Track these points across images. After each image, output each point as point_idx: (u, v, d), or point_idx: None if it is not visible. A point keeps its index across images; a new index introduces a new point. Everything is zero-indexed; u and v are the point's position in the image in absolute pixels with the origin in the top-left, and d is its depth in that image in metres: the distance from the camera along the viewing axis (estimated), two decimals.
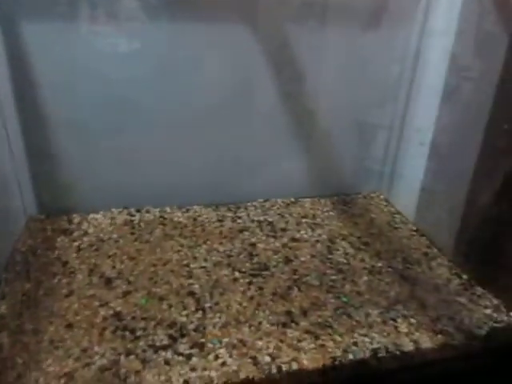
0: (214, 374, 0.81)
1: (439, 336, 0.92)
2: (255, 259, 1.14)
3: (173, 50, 1.22)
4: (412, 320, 0.96)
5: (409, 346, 0.90)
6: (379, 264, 1.15)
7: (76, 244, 1.18)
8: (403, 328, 0.94)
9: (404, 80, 1.40)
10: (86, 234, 1.22)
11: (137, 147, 1.29)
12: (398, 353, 0.88)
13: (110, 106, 1.23)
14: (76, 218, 1.29)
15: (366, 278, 1.09)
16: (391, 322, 0.96)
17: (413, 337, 0.92)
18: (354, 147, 1.50)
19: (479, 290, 1.07)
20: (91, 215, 1.30)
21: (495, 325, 0.96)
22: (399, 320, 0.96)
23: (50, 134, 1.23)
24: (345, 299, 1.02)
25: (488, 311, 1.00)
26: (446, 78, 1.24)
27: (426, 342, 0.91)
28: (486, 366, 0.93)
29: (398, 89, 1.42)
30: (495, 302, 1.03)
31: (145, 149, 1.29)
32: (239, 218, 1.33)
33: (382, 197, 1.51)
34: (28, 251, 1.14)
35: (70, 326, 0.91)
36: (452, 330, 0.94)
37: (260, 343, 0.88)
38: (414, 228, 1.32)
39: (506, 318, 0.98)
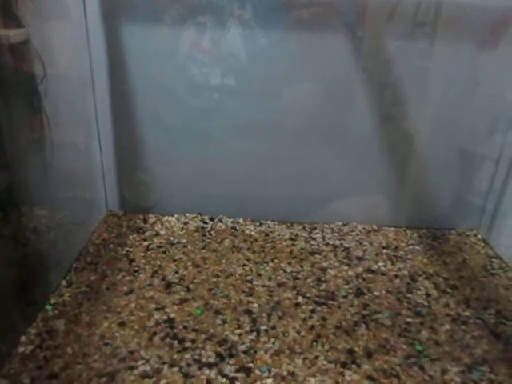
0: None
1: None
2: (323, 286, 1.05)
3: (268, 60, 1.18)
4: None
5: None
6: (466, 313, 0.99)
7: (146, 243, 1.18)
8: None
9: None
10: (157, 234, 1.23)
11: (219, 156, 1.28)
12: None
13: (198, 113, 1.23)
14: (151, 218, 1.30)
15: (448, 326, 0.95)
16: None
17: None
18: (453, 177, 1.34)
19: None
20: (166, 217, 1.30)
21: None
22: None
23: (138, 135, 1.27)
24: (419, 347, 0.88)
25: None
26: None
27: None
28: None
29: (510, 117, 1.24)
30: None
31: (226, 158, 1.28)
32: (313, 239, 1.24)
33: (479, 236, 1.32)
34: (101, 244, 1.17)
35: (122, 324, 0.90)
36: None
37: (312, 380, 0.79)
38: None
39: None
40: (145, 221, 1.29)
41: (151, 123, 1.24)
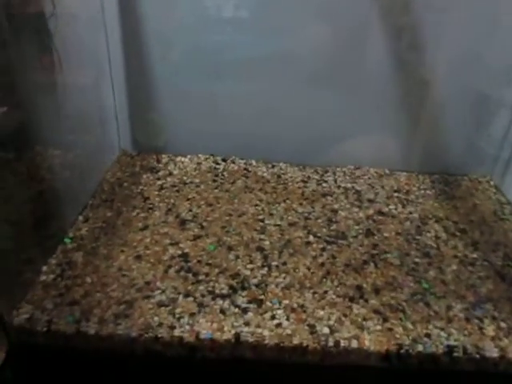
0: (266, 333, 0.78)
1: None
2: (333, 226, 1.06)
3: None
4: (502, 324, 0.83)
5: (492, 352, 0.78)
6: (474, 255, 1.01)
7: (159, 183, 1.20)
8: (490, 331, 0.82)
9: None
10: (170, 174, 1.24)
11: (232, 96, 1.26)
12: (477, 356, 0.77)
13: (211, 48, 1.20)
14: (164, 159, 1.31)
15: (455, 267, 0.97)
16: (476, 320, 0.83)
17: (499, 343, 0.79)
18: (468, 123, 1.31)
19: None
20: (179, 158, 1.31)
21: None
22: (486, 321, 0.83)
23: (150, 74, 1.25)
24: (426, 285, 0.91)
25: None
26: None
27: None
28: None
29: None
30: None
31: (239, 99, 1.26)
32: (325, 181, 1.25)
33: (492, 183, 1.32)
34: (115, 183, 1.19)
35: (138, 257, 0.93)
36: None
37: (321, 313, 0.82)
38: None
39: None
40: (158, 161, 1.30)
41: (163, 62, 1.22)
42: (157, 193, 1.15)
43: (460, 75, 1.24)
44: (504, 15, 1.16)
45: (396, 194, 1.21)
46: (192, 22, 1.18)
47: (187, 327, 0.78)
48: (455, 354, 0.77)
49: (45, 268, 0.89)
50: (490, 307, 0.87)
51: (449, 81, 1.25)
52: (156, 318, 0.79)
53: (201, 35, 1.19)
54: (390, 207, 1.15)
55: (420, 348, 0.77)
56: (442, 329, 0.81)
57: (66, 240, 0.97)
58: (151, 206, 1.10)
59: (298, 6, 1.14)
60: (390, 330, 0.80)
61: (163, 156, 1.32)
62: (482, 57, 1.21)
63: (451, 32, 1.18)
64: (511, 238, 1.08)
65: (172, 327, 0.78)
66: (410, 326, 0.81)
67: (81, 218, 1.05)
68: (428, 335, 0.79)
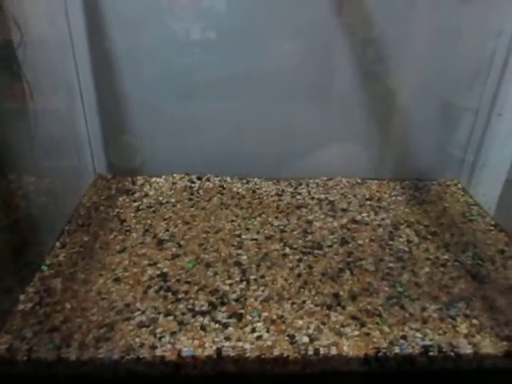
0: (247, 346, 0.79)
1: (504, 343, 0.82)
2: (309, 237, 1.09)
3: (249, 14, 1.18)
4: (475, 321, 0.86)
5: (466, 349, 0.80)
6: (445, 256, 1.04)
7: (136, 204, 1.21)
8: (463, 328, 0.84)
9: (497, 59, 1.24)
10: (146, 195, 1.25)
11: (204, 115, 1.29)
12: (452, 354, 0.80)
13: (181, 70, 1.23)
14: (140, 180, 1.32)
15: (427, 269, 1.00)
16: (450, 320, 0.86)
17: (473, 339, 0.82)
18: (435, 130, 1.37)
19: None
20: (154, 178, 1.33)
21: None
22: (459, 319, 0.86)
23: (122, 97, 1.26)
24: (400, 289, 0.94)
25: None
26: None
27: (488, 347, 0.81)
28: None
29: (489, 69, 1.26)
30: None
31: (212, 117, 1.29)
32: (299, 194, 1.28)
33: (459, 186, 1.37)
34: (91, 207, 1.19)
35: (117, 280, 0.94)
36: None
37: (300, 322, 0.84)
38: (493, 222, 1.19)
39: None
40: (133, 183, 1.31)
41: (134, 84, 1.24)
42: (133, 214, 1.16)
43: (425, 84, 1.30)
44: (463, 25, 1.23)
45: (368, 202, 1.25)
46: (161, 45, 1.21)
47: (169, 346, 0.78)
48: (431, 354, 0.79)
49: (22, 297, 0.89)
50: (462, 306, 0.90)
51: (415, 90, 1.30)
52: (137, 339, 0.80)
53: (170, 57, 1.22)
54: (363, 215, 1.19)
55: (397, 350, 0.79)
56: (418, 330, 0.83)
57: (44, 267, 0.97)
58: (128, 227, 1.11)
59: (265, 26, 1.19)
60: (368, 334, 0.82)
61: (139, 178, 1.33)
62: (445, 66, 1.27)
63: (415, 44, 1.24)
64: (480, 238, 1.12)
65: (153, 347, 0.78)
66: (386, 329, 0.83)
67: (58, 244, 1.05)
68: (404, 337, 0.82)
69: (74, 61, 1.20)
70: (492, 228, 1.17)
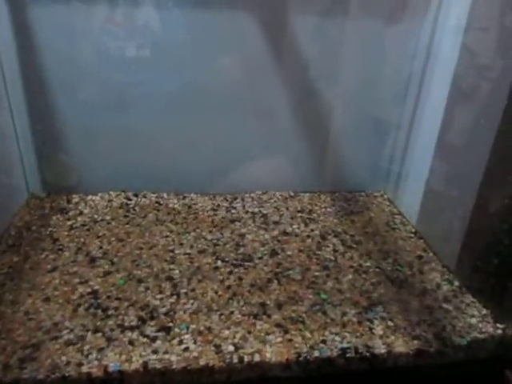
0: (174, 358, 0.81)
1: (415, 341, 0.89)
2: (241, 250, 1.13)
3: (184, 31, 1.21)
4: (390, 323, 0.93)
5: (380, 349, 0.87)
6: (367, 264, 1.11)
7: (69, 223, 1.21)
8: (378, 330, 0.91)
9: (415, 77, 1.34)
10: (81, 214, 1.25)
11: (140, 132, 1.30)
12: (367, 354, 0.86)
13: (117, 88, 1.25)
14: (75, 199, 1.32)
15: (350, 276, 1.06)
16: (367, 322, 0.92)
17: (387, 340, 0.89)
18: (364, 144, 1.46)
19: (469, 298, 1.02)
20: (90, 196, 1.33)
21: (478, 335, 0.91)
22: (376, 322, 0.93)
23: (57, 115, 1.27)
24: (324, 296, 0.99)
25: (474, 320, 0.95)
26: (458, 76, 1.18)
27: (400, 346, 0.88)
28: (463, 377, 0.89)
29: (408, 86, 1.37)
30: (484, 311, 0.98)
31: (148, 134, 1.31)
32: (234, 208, 1.32)
33: (385, 196, 1.46)
34: (23, 227, 1.18)
35: (47, 299, 0.94)
36: (430, 337, 0.90)
37: (227, 332, 0.88)
38: (413, 230, 1.28)
39: (491, 330, 0.93)
40: (68, 201, 1.31)
41: (69, 102, 1.25)
42: (66, 233, 1.16)
43: (357, 100, 1.38)
44: (387, 47, 1.33)
45: (299, 214, 1.31)
46: (96, 63, 1.22)
47: (95, 362, 0.80)
48: (348, 355, 0.85)
49: None
50: (380, 309, 0.97)
51: (344, 106, 1.39)
52: (64, 358, 0.80)
53: (105, 75, 1.24)
54: (294, 227, 1.25)
55: (317, 353, 0.84)
56: (337, 334, 0.89)
57: None
58: (61, 246, 1.11)
59: (200, 42, 1.22)
60: (290, 340, 0.87)
61: (74, 196, 1.33)
62: (371, 84, 1.36)
63: (347, 64, 1.33)
64: (400, 245, 1.20)
65: (80, 364, 0.79)
66: (308, 334, 0.88)
67: None
68: (324, 341, 0.87)
69: (4, 83, 1.19)
70: (412, 235, 1.25)
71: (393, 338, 0.89)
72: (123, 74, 1.26)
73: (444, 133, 1.25)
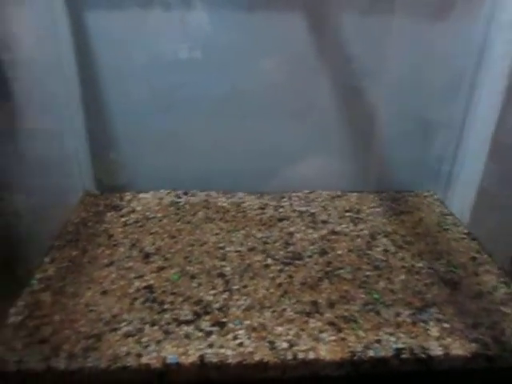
0: (229, 352, 0.83)
1: (473, 344, 0.86)
2: (290, 248, 1.14)
3: (235, 34, 1.23)
4: (445, 325, 0.91)
5: (437, 351, 0.85)
6: (420, 264, 1.09)
7: (123, 220, 1.25)
8: (434, 332, 0.89)
9: (467, 74, 1.31)
10: (133, 211, 1.29)
11: (189, 132, 1.32)
12: (423, 356, 0.84)
13: (165, 90, 1.28)
14: (127, 196, 1.36)
15: (402, 277, 1.05)
16: (422, 324, 0.91)
17: (443, 342, 0.87)
18: (413, 144, 1.43)
19: None
20: (141, 194, 1.37)
21: None
22: (431, 323, 0.91)
23: (110, 116, 1.31)
24: (376, 296, 0.98)
25: None
26: None
27: (457, 348, 0.86)
28: None
29: (459, 84, 1.33)
30: None
31: (197, 134, 1.33)
32: (281, 207, 1.33)
33: (435, 197, 1.43)
34: (80, 223, 1.23)
35: (105, 292, 0.97)
36: (489, 340, 0.87)
37: (280, 329, 0.88)
38: (466, 231, 1.24)
39: None
40: (121, 199, 1.35)
41: (121, 102, 1.29)
42: (121, 229, 1.20)
43: (402, 100, 1.36)
44: (437, 44, 1.30)
45: (347, 214, 1.30)
46: (147, 65, 1.26)
47: (154, 354, 0.82)
48: (403, 356, 0.84)
49: (13, 310, 0.92)
50: (434, 311, 0.95)
51: (393, 105, 1.36)
52: (123, 348, 0.83)
53: (156, 77, 1.27)
54: (343, 226, 1.24)
55: (371, 353, 0.84)
56: (391, 334, 0.88)
57: (33, 281, 1.01)
58: (116, 242, 1.15)
59: (247, 44, 1.24)
60: (344, 339, 0.86)
61: (126, 194, 1.37)
62: (420, 83, 1.34)
63: (392, 61, 1.31)
64: (453, 246, 1.18)
65: (139, 355, 0.82)
66: (362, 334, 0.88)
67: (47, 259, 1.08)
68: (378, 341, 0.86)
69: (63, 83, 1.24)
70: (465, 236, 1.22)
71: (449, 340, 0.87)
72: (173, 76, 1.28)
73: (499, 132, 1.22)
